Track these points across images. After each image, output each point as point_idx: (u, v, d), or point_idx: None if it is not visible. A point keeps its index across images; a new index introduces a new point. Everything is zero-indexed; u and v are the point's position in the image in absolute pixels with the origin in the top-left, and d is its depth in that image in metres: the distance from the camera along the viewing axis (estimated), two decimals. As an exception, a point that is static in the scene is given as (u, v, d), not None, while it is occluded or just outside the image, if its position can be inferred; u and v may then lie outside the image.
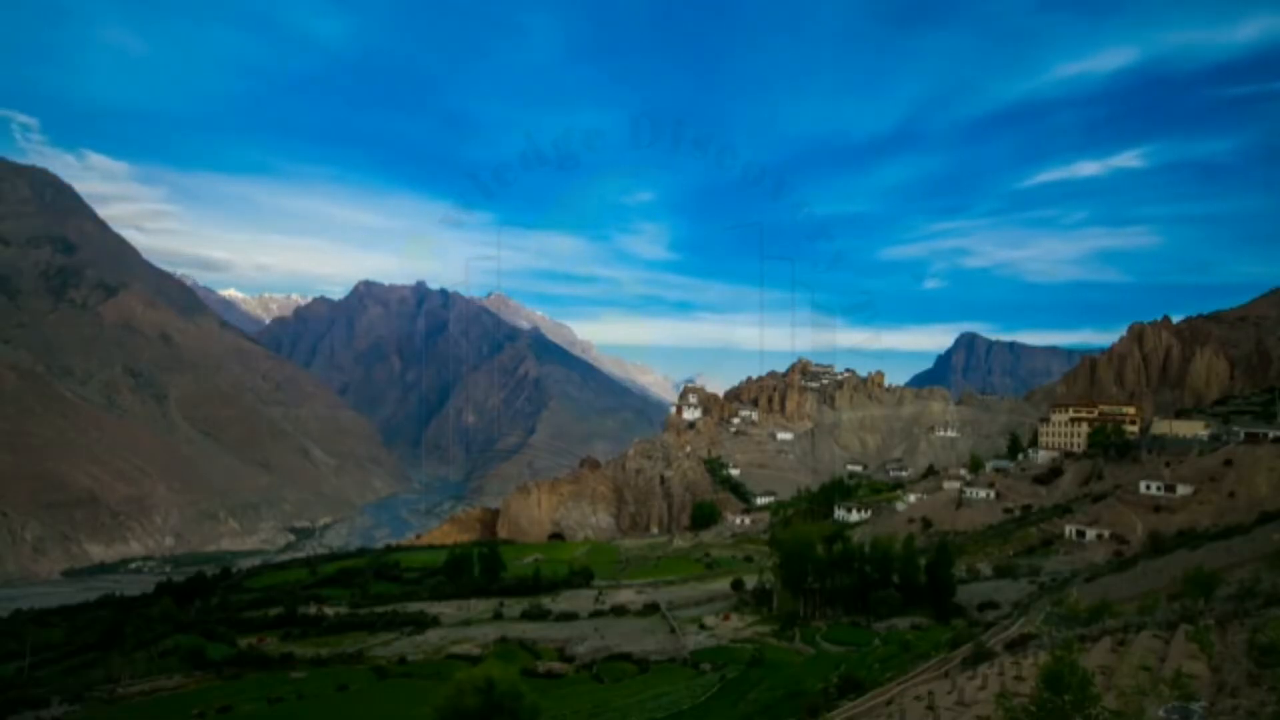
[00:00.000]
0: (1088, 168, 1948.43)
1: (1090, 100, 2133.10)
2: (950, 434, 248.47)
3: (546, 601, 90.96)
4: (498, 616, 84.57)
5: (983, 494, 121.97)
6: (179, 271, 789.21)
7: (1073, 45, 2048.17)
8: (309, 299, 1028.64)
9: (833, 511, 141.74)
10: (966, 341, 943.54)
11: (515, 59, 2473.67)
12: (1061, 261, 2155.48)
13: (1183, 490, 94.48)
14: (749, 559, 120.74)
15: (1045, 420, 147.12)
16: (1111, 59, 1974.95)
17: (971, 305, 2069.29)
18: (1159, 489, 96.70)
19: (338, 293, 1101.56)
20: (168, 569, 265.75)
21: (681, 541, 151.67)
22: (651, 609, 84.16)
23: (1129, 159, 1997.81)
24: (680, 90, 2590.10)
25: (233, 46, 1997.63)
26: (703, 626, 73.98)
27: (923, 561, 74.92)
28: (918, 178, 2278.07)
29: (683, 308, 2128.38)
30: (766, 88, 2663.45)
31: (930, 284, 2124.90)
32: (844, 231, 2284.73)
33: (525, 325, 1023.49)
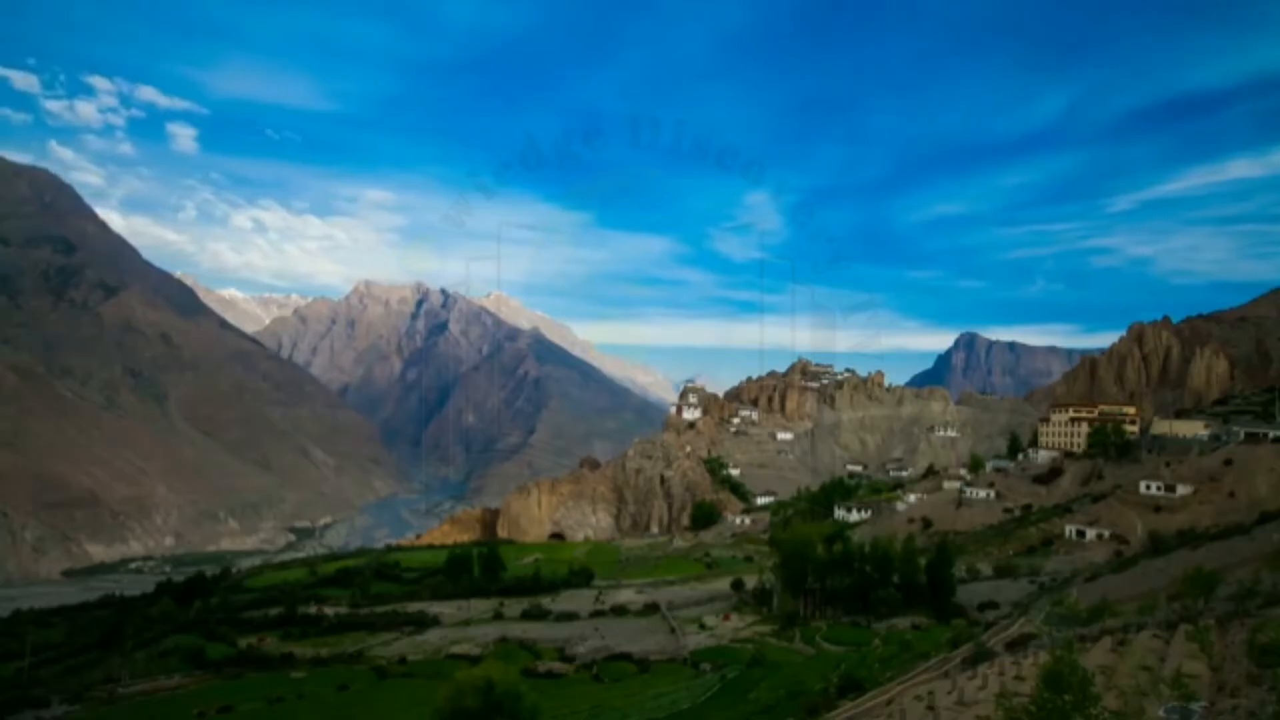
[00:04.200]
0: (1239, 167, 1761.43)
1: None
2: (950, 434, 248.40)
3: (546, 601, 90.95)
4: (498, 616, 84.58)
5: (983, 494, 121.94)
6: (178, 272, 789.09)
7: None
8: (309, 299, 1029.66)
9: (833, 511, 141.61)
10: (966, 341, 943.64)
11: (658, 48, 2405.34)
12: (1203, 260, 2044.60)
13: (1183, 490, 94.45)
14: (749, 559, 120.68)
15: (1045, 420, 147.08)
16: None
17: (1079, 308, 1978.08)
18: (1159, 489, 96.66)
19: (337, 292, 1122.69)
20: (168, 569, 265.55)
21: (681, 541, 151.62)
22: (651, 609, 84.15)
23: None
24: (828, 83, 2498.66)
25: (369, 39, 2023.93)
26: (703, 626, 73.97)
27: (923, 561, 74.90)
28: (1052, 176, 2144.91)
29: (747, 308, 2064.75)
30: (916, 85, 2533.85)
31: (1038, 285, 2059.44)
32: (966, 230, 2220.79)
33: (525, 325, 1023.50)
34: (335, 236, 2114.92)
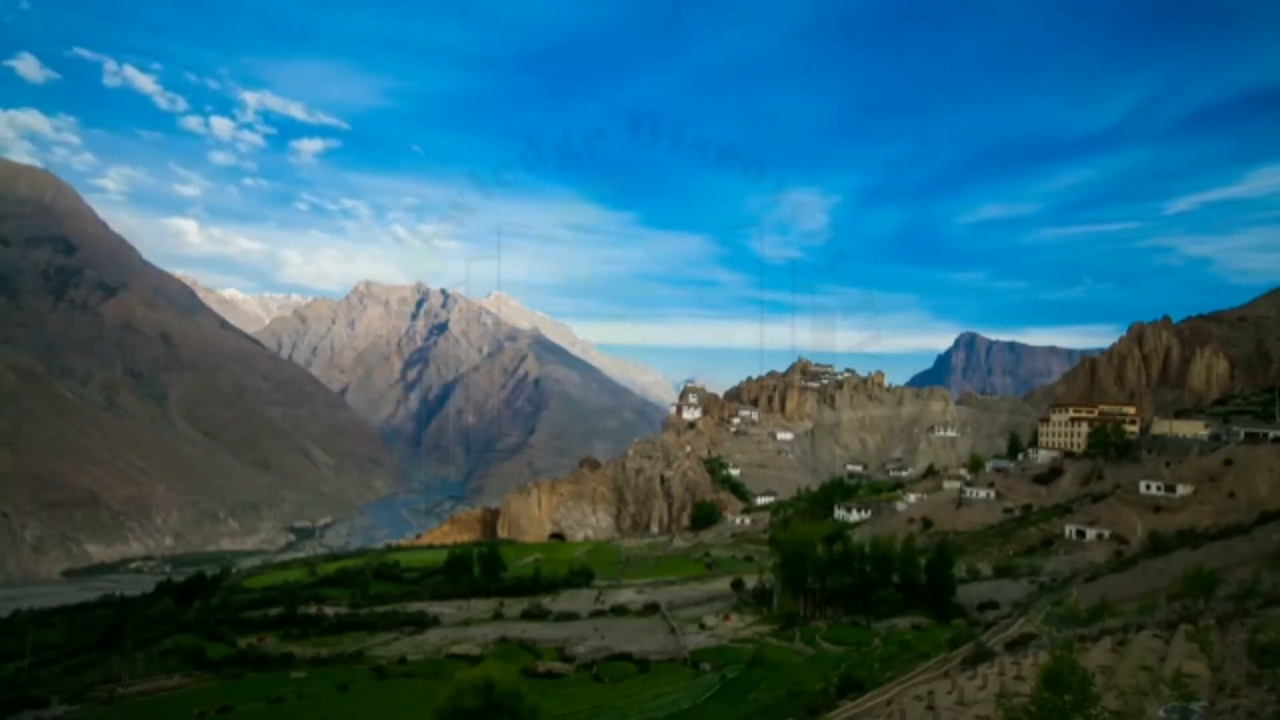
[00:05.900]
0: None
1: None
2: (950, 434, 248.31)
3: (546, 601, 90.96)
4: (498, 616, 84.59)
5: (983, 494, 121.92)
6: (178, 271, 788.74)
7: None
8: (309, 299, 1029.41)
9: (833, 511, 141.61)
10: (966, 341, 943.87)
11: (719, 46, 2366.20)
12: (1270, 260, 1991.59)
13: (1183, 490, 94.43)
14: (749, 559, 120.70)
15: (1045, 420, 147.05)
16: None
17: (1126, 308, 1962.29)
18: (1159, 489, 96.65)
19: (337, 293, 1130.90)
20: (168, 569, 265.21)
21: (681, 541, 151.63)
22: (651, 609, 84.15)
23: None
24: (891, 82, 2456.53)
25: (428, 37, 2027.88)
26: (703, 626, 73.98)
27: (923, 561, 74.92)
28: (1111, 175, 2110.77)
29: (774, 308, 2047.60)
30: (983, 85, 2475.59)
31: (1084, 286, 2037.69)
32: (1014, 230, 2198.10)
33: (525, 325, 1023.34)
34: (408, 242, 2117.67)
